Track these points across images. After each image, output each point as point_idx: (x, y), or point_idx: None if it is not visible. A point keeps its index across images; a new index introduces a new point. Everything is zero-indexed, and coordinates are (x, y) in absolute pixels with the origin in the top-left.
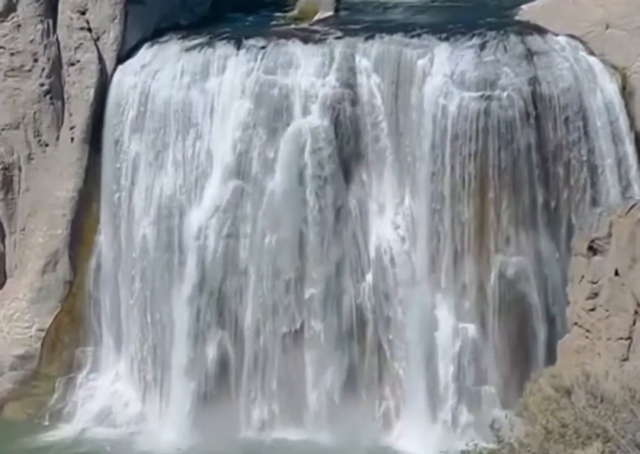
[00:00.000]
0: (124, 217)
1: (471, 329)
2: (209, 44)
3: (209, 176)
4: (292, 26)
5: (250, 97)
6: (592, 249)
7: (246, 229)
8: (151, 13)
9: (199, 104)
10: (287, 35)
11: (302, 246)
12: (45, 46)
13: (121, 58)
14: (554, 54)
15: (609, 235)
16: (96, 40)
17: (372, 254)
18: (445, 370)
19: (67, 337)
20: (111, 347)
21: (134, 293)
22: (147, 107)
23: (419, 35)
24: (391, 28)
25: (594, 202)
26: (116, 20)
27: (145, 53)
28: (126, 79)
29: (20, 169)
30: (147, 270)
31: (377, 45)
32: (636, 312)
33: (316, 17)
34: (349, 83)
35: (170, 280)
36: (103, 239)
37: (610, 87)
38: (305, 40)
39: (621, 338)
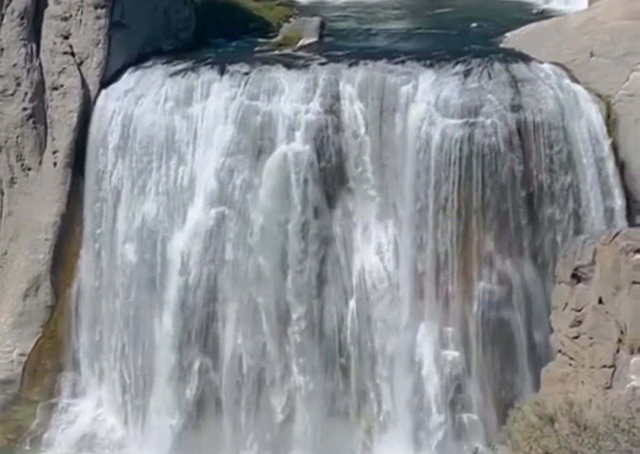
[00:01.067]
0: (106, 242)
1: (455, 356)
2: (193, 69)
3: (192, 202)
4: (276, 52)
5: (234, 123)
6: (576, 277)
7: (229, 255)
8: (135, 38)
9: (182, 129)
10: (270, 61)
11: (285, 272)
12: (29, 70)
13: (105, 83)
14: (539, 81)
15: (593, 263)
16: (79, 64)
17: (355, 280)
18: (429, 398)
19: (48, 362)
20: (93, 372)
21: (115, 318)
22: (131, 132)
23: (403, 61)
24: (375, 54)
25: (578, 230)
26: (100, 45)
27: (128, 78)
28: (109, 104)
29: (2, 193)
30: (129, 295)
31: (361, 72)
32: (620, 340)
33: (300, 43)
34: (333, 109)
35: (151, 306)
36: (85, 264)
37: (594, 115)
38: (289, 66)
39: (605, 366)
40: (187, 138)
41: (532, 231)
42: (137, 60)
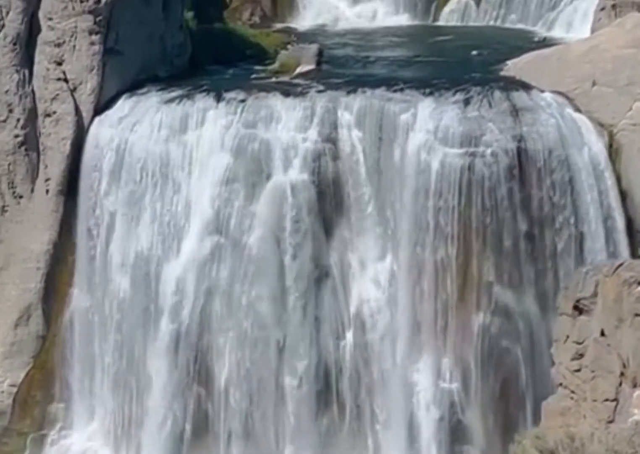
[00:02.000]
0: (99, 270)
1: (453, 389)
2: (188, 96)
3: (187, 231)
4: (273, 79)
5: (230, 151)
6: (578, 309)
7: (224, 285)
8: (130, 64)
9: (177, 157)
10: (267, 89)
11: (282, 302)
12: (21, 97)
13: (98, 110)
14: (540, 110)
15: (595, 295)
16: (73, 91)
17: (353, 311)
18: (427, 431)
19: (39, 394)
20: (85, 404)
21: (108, 349)
22: (125, 159)
23: (402, 89)
24: (374, 82)
25: (580, 261)
26: (94, 71)
27: (123, 105)
28: (103, 131)
29: None
30: (122, 325)
31: (359, 100)
32: (622, 373)
33: (297, 71)
34: (331, 137)
35: (145, 336)
36: (77, 293)
37: (597, 144)
38: (286, 94)
39: (607, 400)
40: (183, 166)
41: (533, 261)
42: (132, 86)
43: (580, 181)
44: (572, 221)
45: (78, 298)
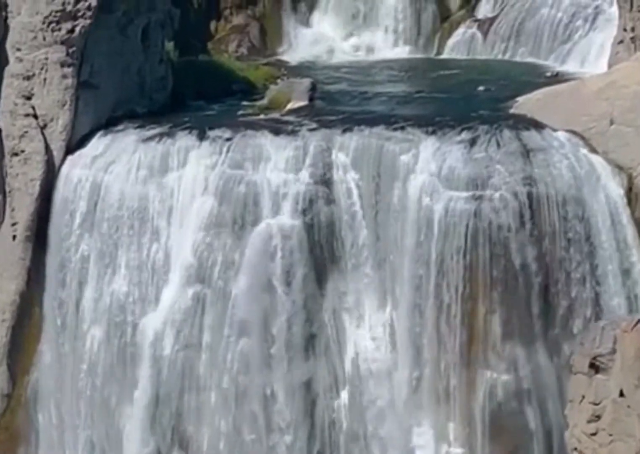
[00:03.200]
0: (70, 324)
1: None
2: (169, 134)
3: (167, 280)
4: (262, 116)
5: (214, 194)
6: (594, 367)
7: (207, 339)
8: (105, 99)
9: (156, 200)
10: (255, 126)
11: (270, 359)
12: None
13: (71, 148)
14: (553, 151)
15: (613, 351)
16: (43, 128)
17: (348, 368)
18: None
19: None
20: None
21: (79, 409)
22: (99, 203)
23: (402, 128)
24: (372, 120)
25: (597, 315)
26: (66, 107)
27: (97, 143)
28: (76, 172)
29: None
30: (95, 383)
31: (355, 139)
32: None
33: (288, 107)
34: (325, 180)
35: (121, 395)
36: (46, 348)
37: (614, 188)
38: (276, 132)
39: None
40: (162, 210)
41: (545, 314)
42: (107, 123)
43: (596, 228)
44: (587, 271)
45: (46, 354)
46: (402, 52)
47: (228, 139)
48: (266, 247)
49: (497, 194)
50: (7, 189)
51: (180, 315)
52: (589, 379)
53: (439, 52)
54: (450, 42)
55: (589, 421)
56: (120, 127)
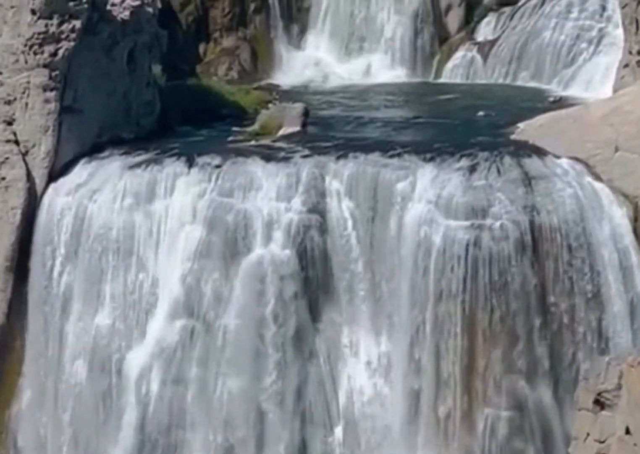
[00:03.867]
0: (52, 358)
1: None
2: (156, 161)
3: (153, 313)
4: (253, 142)
5: (203, 223)
6: (599, 403)
7: (195, 374)
8: (90, 124)
9: (142, 229)
10: (246, 153)
11: (261, 394)
12: None
13: (53, 176)
14: (555, 178)
15: (619, 387)
16: (24, 154)
17: (343, 403)
18: None
19: None
20: None
21: (62, 447)
22: (83, 232)
23: (399, 154)
24: (367, 146)
25: (602, 349)
26: (48, 132)
27: (81, 170)
28: (59, 200)
29: None
30: (78, 420)
31: (350, 166)
32: None
33: (280, 133)
34: (318, 208)
35: (105, 432)
36: (27, 383)
37: (619, 217)
38: (267, 159)
39: None
40: (149, 239)
41: (548, 348)
42: (92, 150)
43: (601, 259)
44: (592, 304)
45: (28, 389)
46: (399, 75)
47: (217, 166)
48: (257, 278)
49: (497, 224)
50: None
51: (167, 349)
52: (594, 416)
53: (437, 76)
54: (449, 65)
55: None
56: (105, 153)
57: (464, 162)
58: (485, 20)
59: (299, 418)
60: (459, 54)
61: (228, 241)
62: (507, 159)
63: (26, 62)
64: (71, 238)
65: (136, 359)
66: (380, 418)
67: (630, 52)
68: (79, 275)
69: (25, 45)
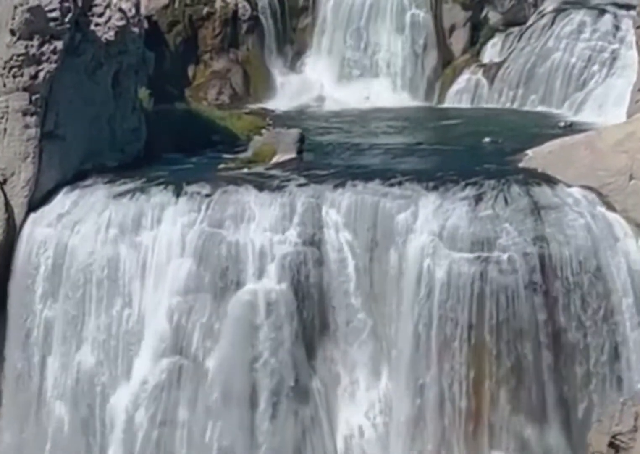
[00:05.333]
0: (32, 398)
1: None
2: (142, 190)
3: (139, 350)
4: (245, 170)
5: (192, 255)
6: (614, 446)
7: (184, 415)
8: (72, 152)
9: (128, 262)
10: (238, 181)
11: (253, 437)
12: None
13: (33, 205)
14: (567, 208)
15: (635, 429)
16: (2, 183)
17: (340, 448)
18: None
19: None
20: None
21: None
22: (64, 265)
23: (400, 183)
24: (366, 174)
25: (616, 389)
26: (28, 160)
27: (63, 200)
28: (39, 231)
29: None
30: None
31: (348, 195)
32: None
33: (274, 160)
34: (314, 240)
35: None
36: (6, 425)
37: (634, 250)
38: (261, 188)
39: None
40: (135, 272)
41: (558, 388)
42: (74, 178)
43: (615, 294)
44: (606, 342)
45: (6, 432)
46: (401, 100)
47: (207, 195)
48: (249, 314)
49: (505, 256)
50: None
51: (154, 389)
52: None
53: (440, 100)
54: (453, 89)
55: None
56: (88, 182)
57: (469, 191)
58: (492, 41)
59: None
60: (463, 77)
61: (218, 275)
62: (515, 188)
63: (4, 85)
64: (52, 271)
65: (121, 399)
66: None
67: None
68: (60, 309)
69: (4, 67)
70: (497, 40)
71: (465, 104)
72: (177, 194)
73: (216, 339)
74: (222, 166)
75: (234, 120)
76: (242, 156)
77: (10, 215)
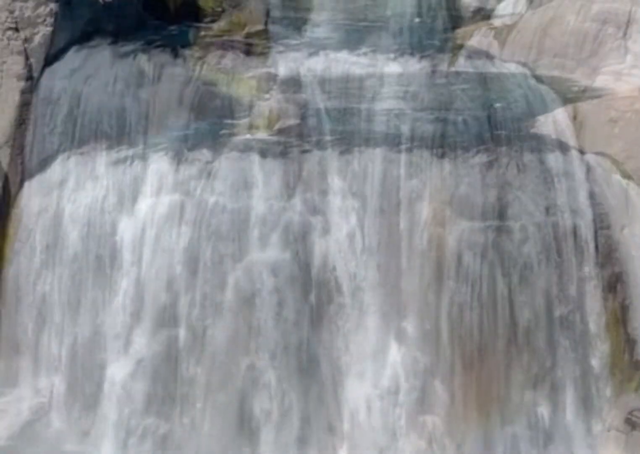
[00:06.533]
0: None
1: None
2: (141, 156)
3: (137, 322)
4: (247, 136)
5: (192, 225)
6: (631, 423)
7: (183, 392)
8: None
9: (126, 232)
10: (240, 148)
11: (255, 414)
12: None
13: (31, 174)
14: (581, 176)
15: None
16: None
17: (347, 422)
18: None
19: None
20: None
21: None
22: (61, 235)
23: (408, 150)
24: (373, 141)
25: (634, 363)
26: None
27: (60, 167)
28: (36, 200)
29: None
30: None
31: (355, 162)
32: None
33: (278, 126)
34: (319, 208)
35: None
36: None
37: None
38: (264, 154)
39: None
40: (133, 243)
41: (574, 363)
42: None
43: (633, 264)
44: (624, 315)
45: None
46: (409, 63)
47: (208, 162)
48: (252, 285)
49: (517, 225)
50: None
51: (152, 363)
52: (625, 437)
53: (450, 64)
54: (463, 52)
55: None
56: (88, 147)
57: (480, 158)
58: (504, 3)
59: (297, 437)
60: (473, 40)
61: (220, 245)
62: (527, 155)
63: None
64: (49, 242)
65: (118, 374)
66: (389, 441)
67: None
68: (56, 282)
69: None
70: (509, 1)
71: (475, 68)
72: (177, 161)
73: (218, 310)
74: (223, 131)
75: (236, 84)
76: (244, 121)
77: (6, 184)
